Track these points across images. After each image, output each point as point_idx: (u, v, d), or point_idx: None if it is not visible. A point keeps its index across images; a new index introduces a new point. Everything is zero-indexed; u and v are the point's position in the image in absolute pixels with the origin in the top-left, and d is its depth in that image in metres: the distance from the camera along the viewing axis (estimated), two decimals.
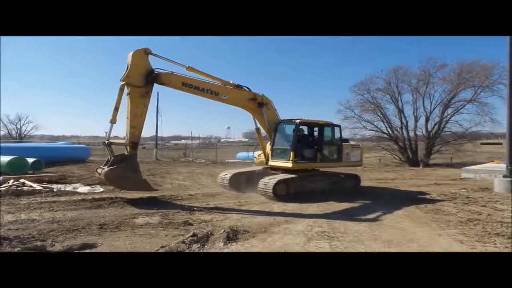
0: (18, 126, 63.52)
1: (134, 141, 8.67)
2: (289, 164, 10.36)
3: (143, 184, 9.11)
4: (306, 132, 11.64)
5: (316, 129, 11.65)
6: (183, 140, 73.85)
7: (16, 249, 4.84)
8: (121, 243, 5.52)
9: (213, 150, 37.62)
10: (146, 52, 8.75)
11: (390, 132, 33.52)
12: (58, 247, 5.11)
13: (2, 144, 23.49)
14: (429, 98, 32.64)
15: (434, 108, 32.38)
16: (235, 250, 5.28)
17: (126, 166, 8.46)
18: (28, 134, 64.15)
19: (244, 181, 11.35)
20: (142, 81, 8.60)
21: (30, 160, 14.94)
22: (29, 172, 14.15)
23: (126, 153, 8.72)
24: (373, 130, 34.53)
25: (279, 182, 9.79)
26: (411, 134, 32.81)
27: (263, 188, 9.81)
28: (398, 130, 33.23)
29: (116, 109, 8.46)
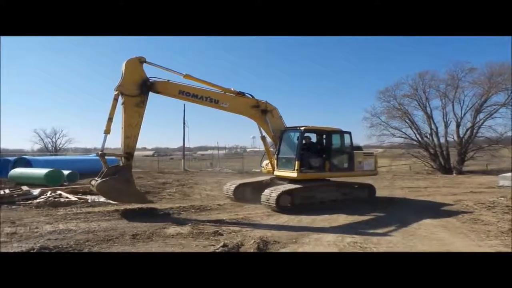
0: (54, 140, 66.46)
1: (129, 152, 8.41)
2: (294, 174, 9.86)
3: (137, 196, 8.98)
4: (314, 140, 11.18)
5: (324, 136, 11.05)
6: (209, 151, 74.76)
7: None
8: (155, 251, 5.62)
9: (239, 160, 37.84)
10: (141, 60, 8.60)
11: (420, 138, 32.45)
12: None
13: (40, 157, 24.64)
14: (459, 103, 31.39)
15: (465, 113, 31.12)
16: None
17: (119, 177, 8.20)
18: (62, 147, 66.95)
19: (250, 192, 11.01)
20: (137, 90, 8.42)
21: (66, 172, 15.58)
22: (65, 183, 14.74)
23: (120, 164, 8.47)
24: (401, 137, 33.60)
25: (283, 193, 9.31)
26: (442, 140, 31.69)
27: (266, 200, 9.39)
28: (428, 136, 32.13)
29: (110, 119, 8.21)
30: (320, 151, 10.81)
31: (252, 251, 5.58)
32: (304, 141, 10.41)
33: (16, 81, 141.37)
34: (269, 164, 11.49)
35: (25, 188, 12.00)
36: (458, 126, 31.17)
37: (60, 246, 5.72)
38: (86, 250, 5.60)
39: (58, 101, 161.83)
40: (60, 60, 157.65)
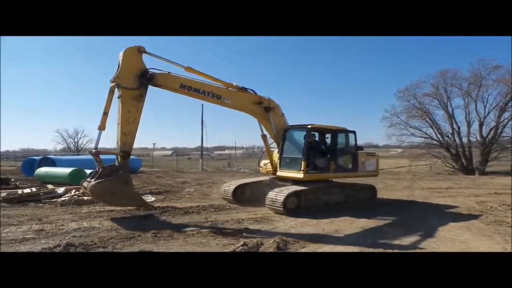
0: (76, 140, 68.26)
1: (126, 150, 7.67)
2: (300, 175, 9.49)
3: (136, 199, 8.20)
4: (317, 139, 10.79)
5: (328, 136, 10.76)
6: (226, 150, 75.17)
7: None
8: (175, 251, 5.72)
9: (257, 159, 37.84)
10: (140, 50, 7.87)
11: (441, 138, 31.82)
12: None
13: (63, 157, 25.37)
14: (482, 102, 30.67)
15: (488, 113, 30.38)
16: None
17: (115, 178, 7.39)
18: (83, 147, 68.62)
19: (249, 193, 10.70)
20: (135, 83, 7.71)
21: (88, 171, 15.97)
22: None
23: (116, 164, 7.74)
24: (422, 137, 33.03)
25: (290, 196, 8.94)
26: (464, 140, 30.91)
27: (272, 203, 9.00)
28: (449, 136, 31.47)
29: (105, 113, 7.45)
30: (325, 150, 10.49)
31: (272, 250, 5.61)
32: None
33: (39, 83, 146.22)
34: (268, 164, 11.13)
35: (50, 186, 12.39)
36: (481, 125, 30.50)
37: (85, 243, 5.89)
38: (110, 247, 5.75)
39: (79, 102, 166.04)
40: (81, 60, 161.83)
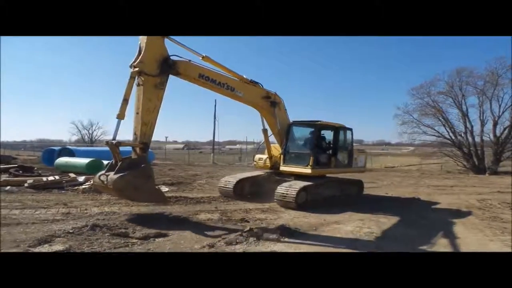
0: (90, 132, 69.82)
1: (145, 142, 7.15)
2: (307, 170, 9.78)
3: (157, 194, 7.65)
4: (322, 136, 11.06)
5: (326, 132, 11.09)
6: (238, 145, 75.84)
7: (106, 234, 5.92)
8: (188, 235, 6.35)
9: None
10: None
11: (453, 137, 31.69)
12: (138, 234, 6.08)
13: (81, 148, 26.40)
14: (497, 101, 30.36)
15: (503, 112, 30.08)
16: (286, 246, 5.85)
17: (138, 172, 6.80)
18: (98, 138, 70.09)
19: (248, 188, 10.80)
20: (157, 69, 7.22)
21: (105, 162, 16.74)
22: None
23: (134, 156, 7.13)
24: (434, 136, 32.95)
25: (301, 190, 9.09)
26: (477, 139, 30.74)
27: (283, 197, 9.11)
28: (462, 135, 31.32)
29: (126, 100, 6.82)
30: (328, 146, 10.89)
31: (274, 235, 6.18)
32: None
33: (56, 76, 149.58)
34: (264, 159, 11.39)
35: (72, 175, 13.19)
36: (495, 124, 30.27)
37: (108, 224, 6.60)
38: (130, 229, 6.41)
39: (94, 94, 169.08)
40: (95, 54, 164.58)
